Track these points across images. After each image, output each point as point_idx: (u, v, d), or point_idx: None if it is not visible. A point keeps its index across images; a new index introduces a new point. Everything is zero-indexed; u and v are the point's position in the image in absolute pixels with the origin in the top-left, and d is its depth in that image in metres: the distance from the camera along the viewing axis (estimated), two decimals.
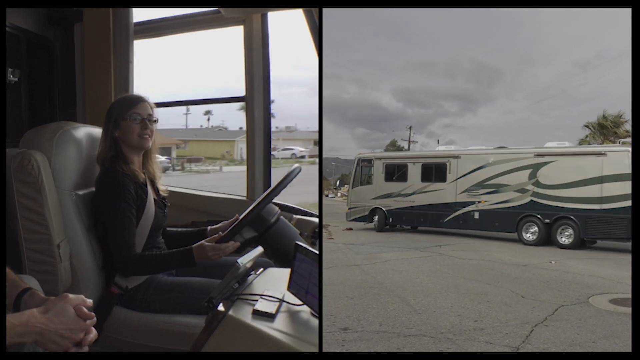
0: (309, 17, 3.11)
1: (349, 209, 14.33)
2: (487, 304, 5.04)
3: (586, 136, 23.68)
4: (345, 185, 21.54)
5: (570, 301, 5.26)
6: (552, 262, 8.06)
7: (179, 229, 3.34)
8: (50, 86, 4.37)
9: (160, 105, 3.36)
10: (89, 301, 1.83)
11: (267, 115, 4.04)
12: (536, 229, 10.83)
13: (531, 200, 11.02)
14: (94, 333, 1.80)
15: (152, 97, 3.07)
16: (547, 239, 10.61)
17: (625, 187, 9.47)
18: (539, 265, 7.82)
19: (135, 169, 2.92)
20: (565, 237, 10.48)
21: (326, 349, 3.56)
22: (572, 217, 10.35)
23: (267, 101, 4.03)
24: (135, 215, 2.84)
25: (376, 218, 13.40)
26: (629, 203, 8.91)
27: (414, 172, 13.02)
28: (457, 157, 12.37)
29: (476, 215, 11.88)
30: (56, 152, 2.81)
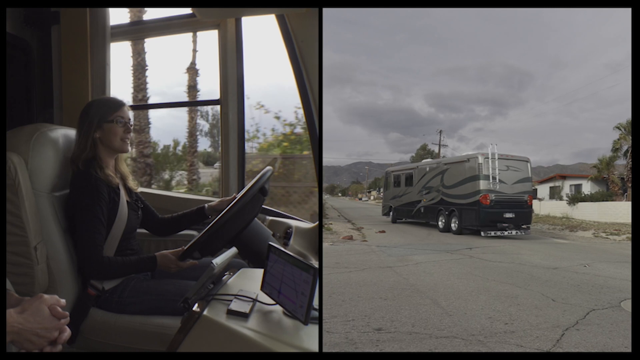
0: (281, 23, 3.11)
1: (382, 206, 20.88)
2: (518, 306, 5.01)
3: (618, 138, 23.76)
4: (380, 190, 28.20)
5: (602, 305, 5.15)
6: (586, 265, 8.06)
7: (176, 213, 3.38)
8: (27, 88, 4.33)
9: (134, 107, 3.39)
10: (63, 301, 1.87)
11: (242, 118, 4.11)
12: (443, 219, 14.61)
13: (441, 198, 14.97)
14: (67, 332, 1.85)
15: (127, 99, 3.12)
16: (449, 227, 14.25)
17: (475, 186, 13.26)
18: (569, 268, 7.71)
19: (109, 173, 2.93)
20: (455, 225, 13.96)
21: (361, 349, 3.57)
22: (455, 209, 14.05)
23: (241, 104, 4.10)
24: (107, 219, 2.85)
25: (390, 214, 19.00)
26: (476, 198, 13.12)
27: (403, 180, 18.09)
28: (416, 168, 17.25)
29: (422, 210, 16.26)
30: (33, 154, 2.80)
